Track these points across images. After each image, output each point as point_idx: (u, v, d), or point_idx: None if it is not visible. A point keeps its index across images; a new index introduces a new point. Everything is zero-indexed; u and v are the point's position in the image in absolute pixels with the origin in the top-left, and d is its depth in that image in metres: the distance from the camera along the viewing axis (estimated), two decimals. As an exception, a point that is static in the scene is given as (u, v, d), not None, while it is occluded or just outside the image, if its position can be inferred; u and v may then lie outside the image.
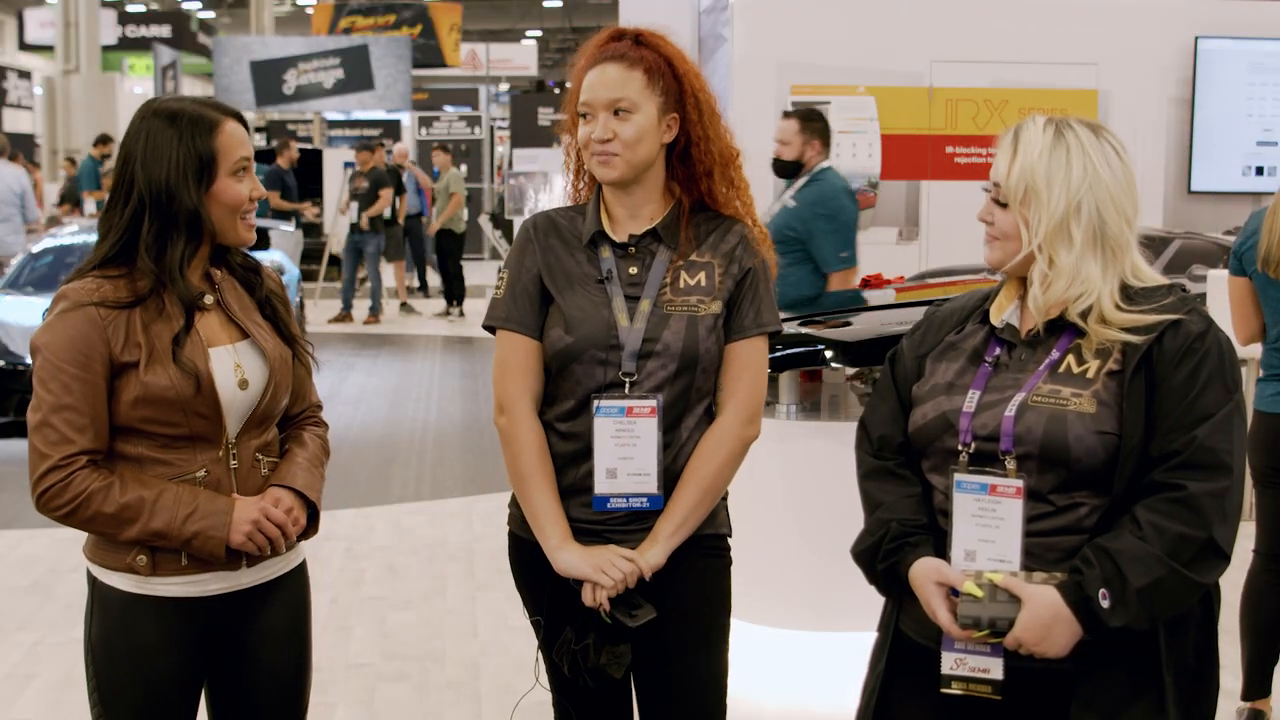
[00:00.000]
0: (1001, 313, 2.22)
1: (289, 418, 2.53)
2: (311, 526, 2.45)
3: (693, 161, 2.50)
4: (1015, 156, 2.15)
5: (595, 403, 2.42)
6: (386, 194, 14.01)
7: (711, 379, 2.48)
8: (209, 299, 2.38)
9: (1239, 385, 2.10)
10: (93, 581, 2.38)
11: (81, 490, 2.25)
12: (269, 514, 2.33)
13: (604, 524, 2.45)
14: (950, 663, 2.11)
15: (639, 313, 2.44)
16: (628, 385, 2.43)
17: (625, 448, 2.42)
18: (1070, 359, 2.12)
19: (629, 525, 2.44)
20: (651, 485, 2.42)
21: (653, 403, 2.41)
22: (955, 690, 2.11)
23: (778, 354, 4.56)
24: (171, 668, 2.34)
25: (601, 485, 2.43)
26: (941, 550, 2.15)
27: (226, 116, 2.37)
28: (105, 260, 2.33)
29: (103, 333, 2.27)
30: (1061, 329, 2.15)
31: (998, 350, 2.20)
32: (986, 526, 2.10)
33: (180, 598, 2.33)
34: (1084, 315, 2.11)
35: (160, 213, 2.30)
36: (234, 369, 2.35)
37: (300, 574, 2.52)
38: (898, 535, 2.17)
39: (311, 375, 2.58)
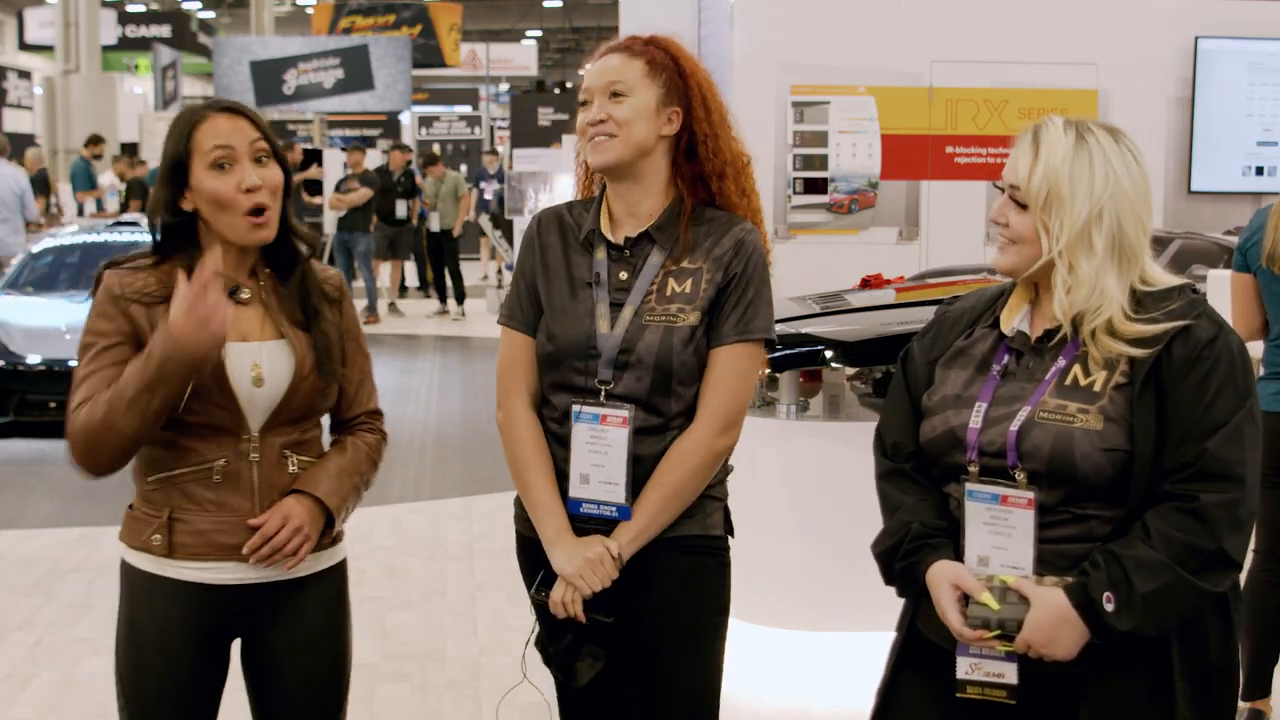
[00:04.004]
0: (1013, 319, 2.20)
1: (342, 421, 2.53)
2: (328, 532, 2.44)
3: (699, 160, 2.48)
4: (1037, 159, 2.10)
5: (575, 408, 2.43)
6: (365, 192, 13.98)
7: (693, 390, 2.45)
8: (246, 293, 2.37)
9: (1252, 390, 2.06)
10: (123, 564, 2.42)
11: (73, 424, 2.26)
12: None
13: (586, 521, 2.44)
14: (965, 667, 2.11)
15: (620, 319, 2.43)
16: (603, 394, 2.42)
17: (597, 455, 2.42)
18: (1077, 369, 2.10)
19: (611, 526, 2.44)
20: (620, 495, 2.42)
21: (625, 413, 2.40)
22: (970, 695, 2.11)
23: (778, 354, 4.56)
24: (190, 648, 2.36)
25: (575, 489, 2.44)
26: (960, 555, 2.16)
27: (215, 111, 2.33)
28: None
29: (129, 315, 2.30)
30: (1070, 335, 2.13)
31: (1006, 358, 2.18)
32: (999, 534, 2.10)
33: (197, 583, 2.35)
34: (1092, 329, 2.08)
35: (155, 217, 2.35)
36: (250, 366, 2.34)
37: (335, 574, 2.53)
38: (918, 536, 2.17)
39: (368, 381, 2.54)
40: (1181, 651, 2.05)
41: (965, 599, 2.09)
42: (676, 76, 2.47)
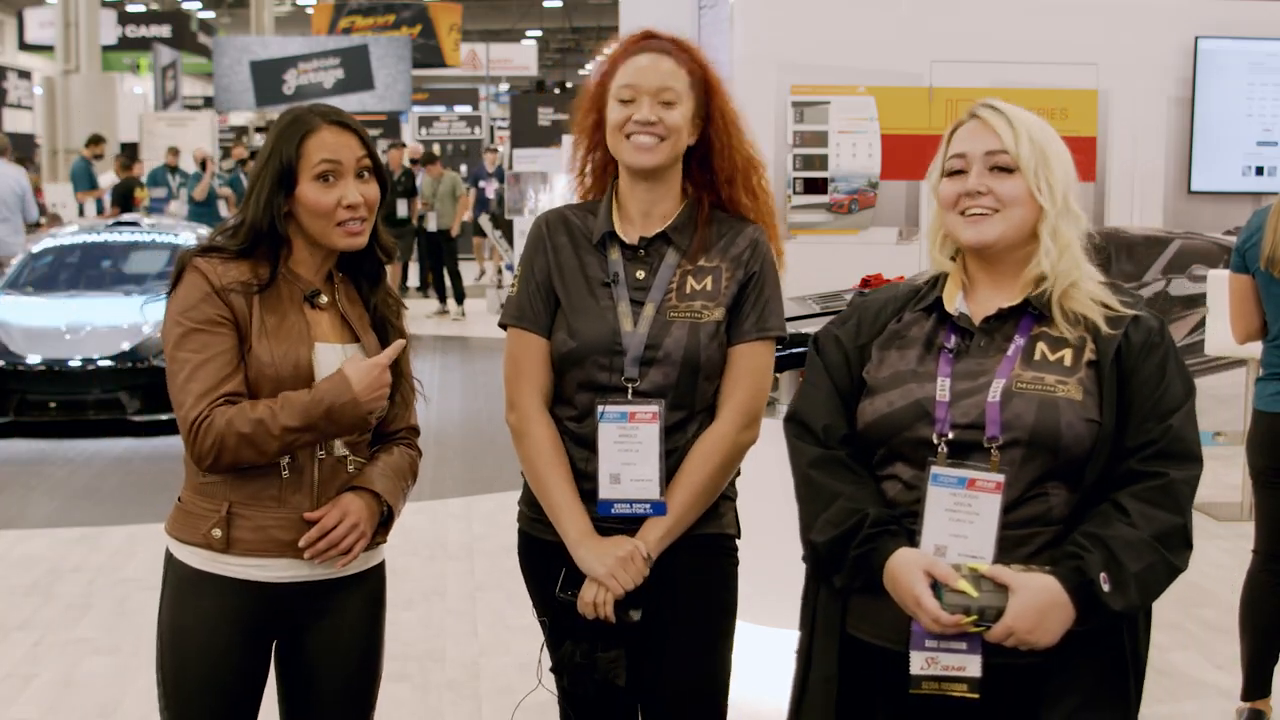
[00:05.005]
0: (953, 301, 2.19)
1: (383, 435, 2.53)
2: (382, 531, 2.45)
3: (713, 169, 2.51)
4: (1014, 125, 2.14)
5: (599, 408, 2.42)
6: None
7: (714, 385, 2.47)
8: (324, 298, 2.41)
9: (1193, 380, 2.13)
10: (168, 558, 2.41)
11: (209, 423, 2.26)
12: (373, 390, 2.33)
13: (615, 521, 2.44)
14: (920, 663, 2.04)
15: (643, 317, 2.44)
16: (630, 391, 2.42)
17: (628, 453, 2.41)
18: (1042, 346, 2.11)
19: (635, 526, 2.44)
20: (654, 491, 2.42)
21: (654, 408, 2.41)
22: (926, 690, 2.04)
23: (777, 354, 4.56)
24: (235, 647, 2.36)
25: (605, 490, 2.43)
26: (913, 544, 2.10)
27: (326, 122, 2.36)
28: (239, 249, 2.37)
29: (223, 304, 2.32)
30: (1019, 315, 2.14)
31: (954, 337, 2.16)
32: (960, 521, 2.05)
33: (250, 580, 2.35)
34: (1064, 289, 2.12)
35: (259, 218, 2.35)
36: (337, 369, 2.37)
37: (376, 573, 2.52)
38: (878, 522, 2.07)
39: (414, 399, 2.58)
40: (1128, 641, 2.07)
41: (933, 587, 2.01)
42: (704, 88, 2.50)
